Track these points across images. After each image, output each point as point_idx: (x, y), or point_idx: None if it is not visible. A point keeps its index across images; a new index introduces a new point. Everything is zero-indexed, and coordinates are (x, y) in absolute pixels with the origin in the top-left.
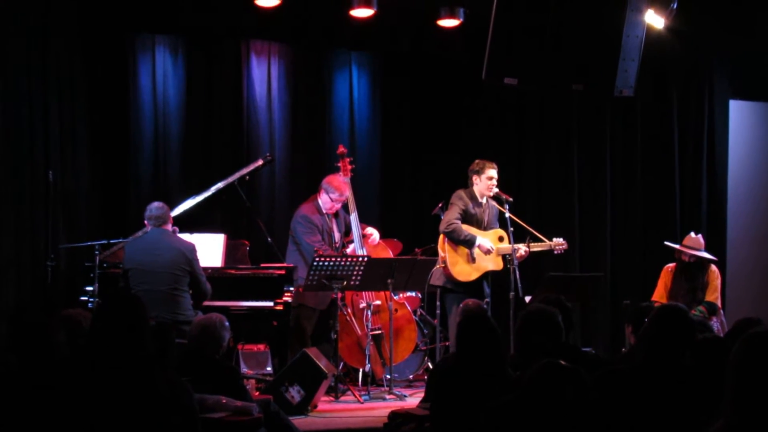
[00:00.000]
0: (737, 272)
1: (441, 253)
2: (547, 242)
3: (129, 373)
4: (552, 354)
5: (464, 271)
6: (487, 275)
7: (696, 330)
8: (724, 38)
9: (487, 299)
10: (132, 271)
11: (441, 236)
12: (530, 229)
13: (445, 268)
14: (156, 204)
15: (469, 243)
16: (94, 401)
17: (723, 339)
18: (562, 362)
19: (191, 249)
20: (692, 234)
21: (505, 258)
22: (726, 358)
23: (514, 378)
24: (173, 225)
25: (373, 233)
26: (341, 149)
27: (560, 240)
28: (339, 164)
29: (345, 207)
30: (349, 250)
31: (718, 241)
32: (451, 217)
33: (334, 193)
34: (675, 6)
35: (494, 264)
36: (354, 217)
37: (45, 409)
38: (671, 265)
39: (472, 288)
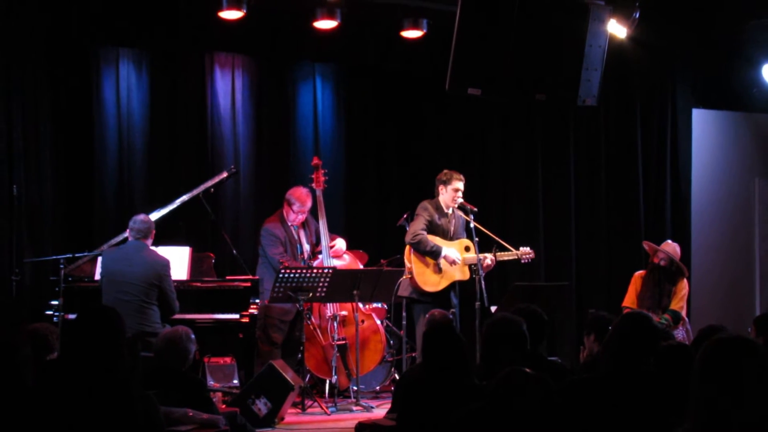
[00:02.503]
0: (701, 280)
1: (407, 264)
2: (514, 251)
3: (106, 389)
4: (517, 363)
5: (431, 282)
6: (454, 285)
7: (660, 337)
8: (686, 47)
9: (454, 309)
10: (104, 280)
11: (407, 247)
12: (497, 238)
13: (412, 278)
14: (141, 217)
15: (435, 254)
16: (70, 416)
17: (687, 346)
18: (527, 370)
19: (164, 265)
20: (669, 241)
21: (471, 268)
22: (690, 365)
23: (480, 387)
24: None
25: (337, 244)
26: (315, 161)
27: (527, 249)
28: (312, 176)
29: (316, 217)
30: (317, 262)
31: (682, 249)
32: (416, 228)
33: (295, 204)
34: (637, 16)
35: (461, 274)
36: (323, 227)
37: (16, 424)
38: (642, 271)
39: (439, 298)
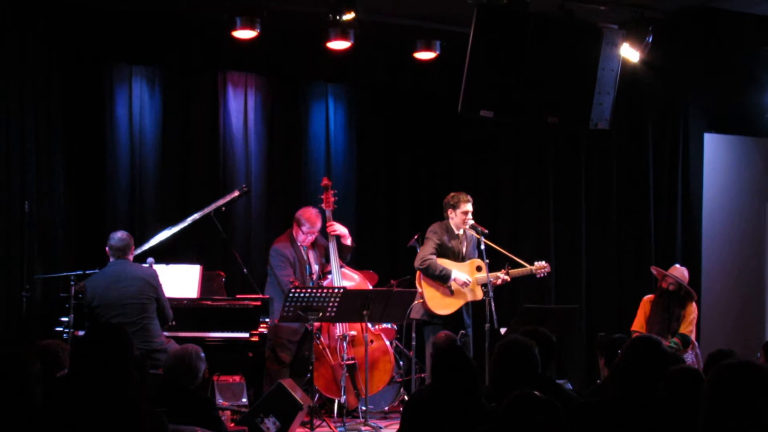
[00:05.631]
0: (712, 304)
1: (418, 288)
2: (528, 267)
3: (114, 406)
4: (527, 386)
5: (443, 304)
6: (468, 305)
7: (669, 361)
8: (699, 72)
9: (463, 330)
10: (100, 307)
11: (417, 271)
12: (510, 255)
13: (424, 302)
14: (119, 234)
15: (444, 278)
16: None
17: (696, 370)
18: (536, 393)
19: (154, 275)
20: (677, 266)
21: (483, 288)
22: (699, 389)
23: (490, 409)
24: (149, 256)
25: (336, 227)
26: (325, 181)
27: (542, 263)
28: (322, 196)
29: (326, 236)
30: (327, 282)
31: (692, 273)
32: (425, 252)
33: (305, 225)
34: (650, 40)
35: (473, 294)
36: (332, 248)
37: None
38: (651, 295)
39: (452, 319)
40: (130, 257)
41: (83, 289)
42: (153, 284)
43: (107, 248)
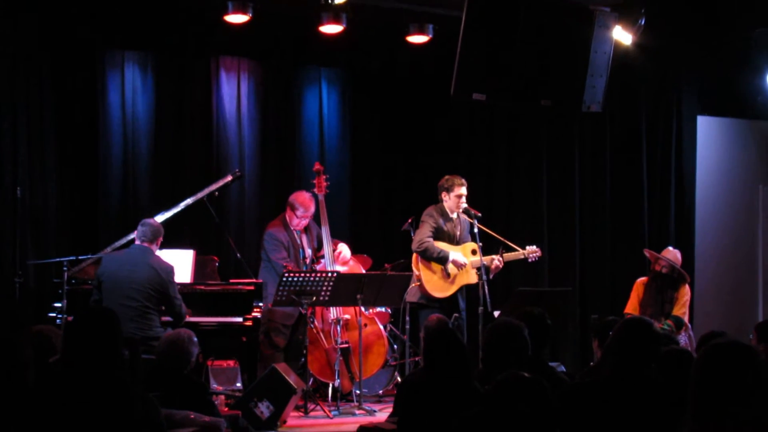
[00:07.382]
0: (705, 287)
1: (415, 271)
2: (521, 251)
3: (105, 389)
4: (517, 367)
5: (440, 287)
6: (462, 288)
7: (661, 343)
8: (692, 54)
9: (457, 313)
10: (105, 284)
11: (414, 255)
12: (502, 239)
13: (421, 285)
14: (151, 221)
15: (443, 259)
16: (69, 419)
17: (688, 351)
18: (524, 374)
19: (168, 271)
20: (670, 248)
21: (479, 270)
22: (690, 370)
23: (481, 392)
24: None
25: (343, 250)
26: (317, 166)
27: (533, 247)
28: (314, 181)
29: (318, 222)
30: (320, 266)
31: (686, 255)
32: (422, 235)
33: (299, 209)
34: (642, 22)
35: (468, 277)
36: (325, 232)
37: (16, 425)
38: (644, 278)
39: (448, 302)
40: (154, 247)
41: (91, 269)
42: (164, 278)
43: (136, 230)
